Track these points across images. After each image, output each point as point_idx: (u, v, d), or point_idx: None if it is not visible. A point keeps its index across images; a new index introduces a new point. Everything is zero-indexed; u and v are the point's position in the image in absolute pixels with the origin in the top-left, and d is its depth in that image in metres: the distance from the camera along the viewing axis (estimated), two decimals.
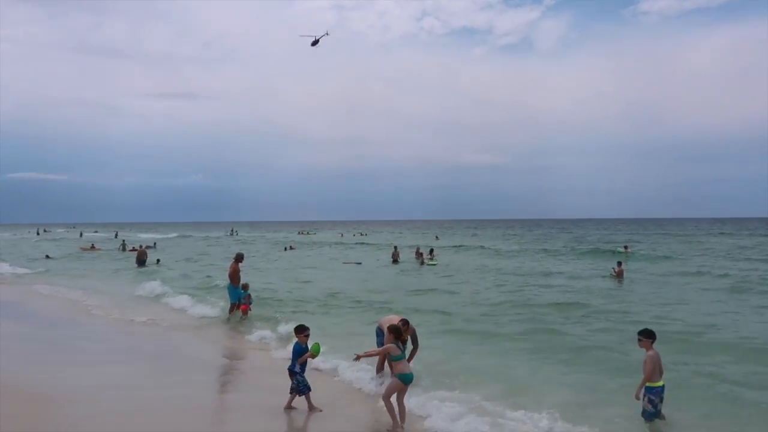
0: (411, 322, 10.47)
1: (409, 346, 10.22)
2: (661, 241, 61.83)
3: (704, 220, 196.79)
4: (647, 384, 7.94)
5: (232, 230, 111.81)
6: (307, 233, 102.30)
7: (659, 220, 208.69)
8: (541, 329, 14.71)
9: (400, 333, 8.39)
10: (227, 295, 17.32)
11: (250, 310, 17.02)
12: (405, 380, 8.07)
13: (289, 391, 8.82)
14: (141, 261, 35.58)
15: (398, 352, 8.18)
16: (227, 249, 51.00)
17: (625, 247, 41.69)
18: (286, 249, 53.46)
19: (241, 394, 10.00)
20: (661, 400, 7.97)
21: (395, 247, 41.89)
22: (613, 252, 40.58)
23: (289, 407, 8.76)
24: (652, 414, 7.95)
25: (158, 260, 37.36)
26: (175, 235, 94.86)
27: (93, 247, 53.62)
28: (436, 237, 77.13)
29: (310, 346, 8.84)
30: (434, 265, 35.21)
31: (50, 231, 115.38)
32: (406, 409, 8.17)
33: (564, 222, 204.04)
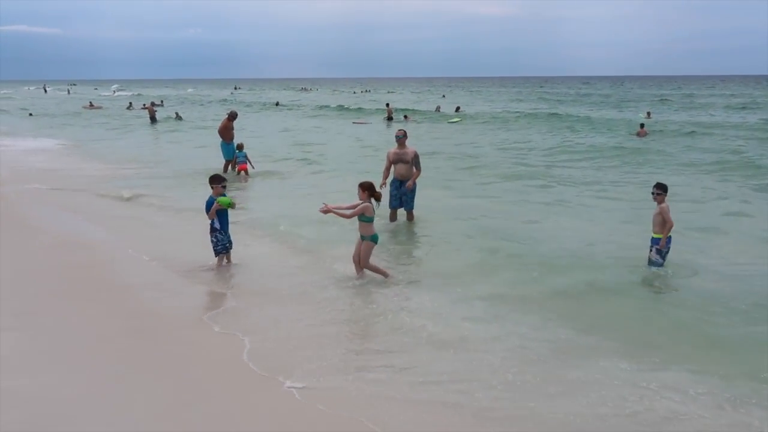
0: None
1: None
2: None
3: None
4: (654, 235, 8.29)
5: (235, 88, 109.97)
6: (310, 90, 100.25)
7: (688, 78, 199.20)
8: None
9: (374, 190, 7.87)
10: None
11: (252, 168, 16.91)
12: (377, 240, 7.92)
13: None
14: (152, 118, 35.27)
15: (372, 214, 7.79)
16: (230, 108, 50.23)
17: (648, 114, 39.58)
18: (277, 104, 55.87)
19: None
20: (668, 251, 8.36)
21: (387, 104, 43.69)
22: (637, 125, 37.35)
23: (219, 266, 8.46)
24: (660, 264, 8.34)
25: (177, 113, 37.49)
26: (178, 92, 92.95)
27: (92, 105, 52.62)
28: (443, 96, 75.31)
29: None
30: (457, 121, 37.33)
31: (51, 88, 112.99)
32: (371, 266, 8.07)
33: (576, 80, 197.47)
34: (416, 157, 10.94)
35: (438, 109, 46.24)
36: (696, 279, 8.15)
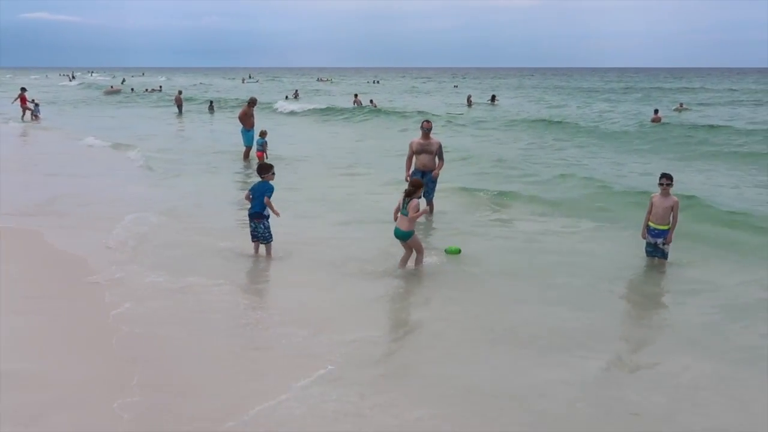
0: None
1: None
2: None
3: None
4: (659, 227, 8.28)
5: (249, 76, 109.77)
6: (327, 80, 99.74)
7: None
8: None
9: (420, 187, 8.11)
10: None
11: (266, 157, 17.05)
12: (395, 233, 8.05)
13: (251, 239, 8.52)
14: (179, 107, 35.50)
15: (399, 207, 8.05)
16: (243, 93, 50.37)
17: (680, 104, 38.96)
18: (287, 97, 49.04)
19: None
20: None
21: (356, 95, 41.32)
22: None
23: (269, 256, 8.53)
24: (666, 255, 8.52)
25: (211, 102, 38.66)
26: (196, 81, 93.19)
27: (112, 87, 58.87)
28: (455, 86, 75.02)
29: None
30: (460, 114, 35.85)
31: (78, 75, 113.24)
32: (418, 259, 8.09)
33: (593, 71, 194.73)
34: (440, 148, 11.02)
35: (469, 99, 42.61)
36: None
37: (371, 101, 39.54)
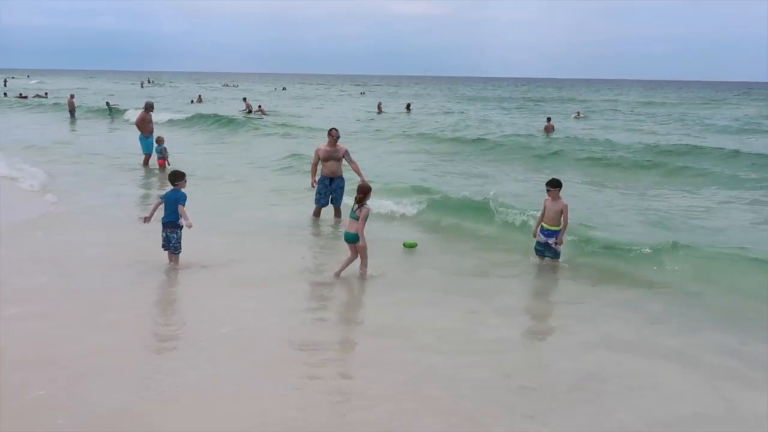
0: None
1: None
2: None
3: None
4: (552, 227, 8.86)
5: (148, 80, 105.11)
6: (233, 85, 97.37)
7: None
8: None
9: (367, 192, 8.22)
10: None
11: (168, 164, 16.55)
12: (345, 236, 8.27)
13: (163, 246, 8.25)
14: (71, 112, 33.25)
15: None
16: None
17: (578, 113, 41.11)
18: (192, 102, 47.97)
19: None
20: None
21: (245, 99, 41.22)
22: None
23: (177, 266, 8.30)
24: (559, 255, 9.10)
25: (108, 103, 36.00)
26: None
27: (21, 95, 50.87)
28: (362, 93, 75.95)
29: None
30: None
31: None
32: (362, 262, 8.21)
33: (491, 80, 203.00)
34: (348, 153, 11.16)
35: (379, 107, 42.60)
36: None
37: (260, 107, 38.74)
